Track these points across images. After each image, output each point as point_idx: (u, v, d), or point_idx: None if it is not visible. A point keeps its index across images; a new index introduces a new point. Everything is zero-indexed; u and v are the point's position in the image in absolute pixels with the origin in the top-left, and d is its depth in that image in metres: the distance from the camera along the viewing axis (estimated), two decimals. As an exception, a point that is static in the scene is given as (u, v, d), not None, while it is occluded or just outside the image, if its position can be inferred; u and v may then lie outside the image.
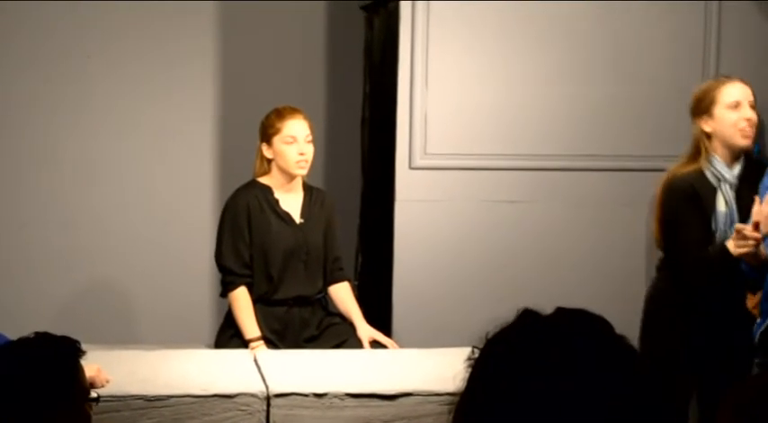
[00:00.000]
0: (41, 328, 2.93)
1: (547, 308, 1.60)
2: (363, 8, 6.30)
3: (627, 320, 4.22)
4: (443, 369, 3.49)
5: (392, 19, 5.68)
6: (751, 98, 4.28)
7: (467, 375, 1.56)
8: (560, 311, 1.55)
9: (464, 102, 5.55)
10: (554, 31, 5.59)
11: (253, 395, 3.86)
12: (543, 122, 5.59)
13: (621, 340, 1.52)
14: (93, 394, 2.89)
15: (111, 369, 3.91)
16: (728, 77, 4.33)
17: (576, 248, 5.63)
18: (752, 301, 4.35)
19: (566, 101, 5.60)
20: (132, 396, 3.81)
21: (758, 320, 4.16)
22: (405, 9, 5.49)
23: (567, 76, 5.60)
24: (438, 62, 5.52)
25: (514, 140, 5.59)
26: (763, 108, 5.48)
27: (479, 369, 1.53)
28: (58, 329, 2.98)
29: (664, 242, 4.30)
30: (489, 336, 1.56)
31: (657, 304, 4.29)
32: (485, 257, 5.60)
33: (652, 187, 5.53)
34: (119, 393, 3.80)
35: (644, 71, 5.61)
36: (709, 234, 4.13)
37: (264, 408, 3.85)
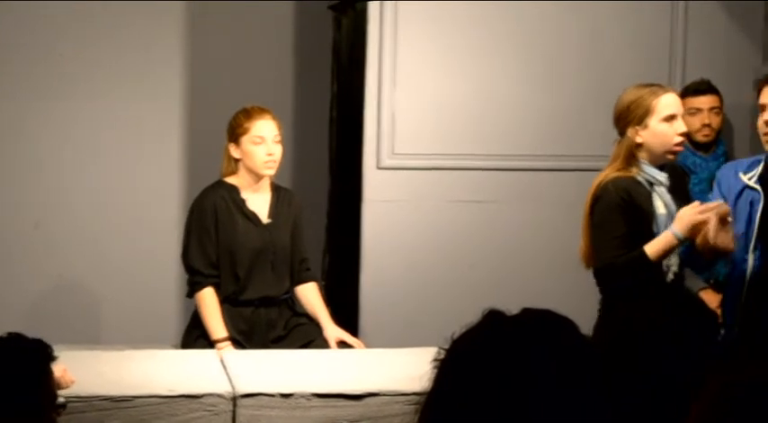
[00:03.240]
0: (7, 328, 2.90)
1: (513, 308, 1.60)
2: (331, 8, 6.29)
3: (592, 320, 4.24)
4: (410, 369, 3.50)
5: (360, 19, 5.68)
6: (682, 109, 4.21)
7: (432, 375, 1.56)
8: (526, 312, 1.56)
9: (432, 102, 5.56)
10: (522, 32, 5.60)
11: (219, 395, 3.85)
12: (511, 122, 5.61)
13: (586, 340, 1.53)
14: (61, 400, 2.86)
15: (76, 370, 3.89)
16: (662, 87, 4.19)
17: (543, 248, 5.65)
18: (713, 298, 4.37)
19: (533, 101, 5.62)
20: (98, 397, 3.79)
21: (722, 332, 4.17)
22: (373, 9, 5.49)
23: (535, 76, 5.62)
24: (406, 62, 5.52)
25: (482, 140, 5.60)
26: (730, 107, 5.53)
27: (445, 369, 1.53)
28: (23, 329, 2.95)
29: (592, 253, 4.14)
30: (455, 336, 1.56)
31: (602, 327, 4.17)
32: (452, 257, 5.61)
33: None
34: (84, 394, 3.78)
35: (611, 71, 5.63)
36: (650, 238, 4.05)
37: (231, 408, 3.84)
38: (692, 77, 5.59)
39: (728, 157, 5.53)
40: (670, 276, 4.09)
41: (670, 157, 4.12)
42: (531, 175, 5.64)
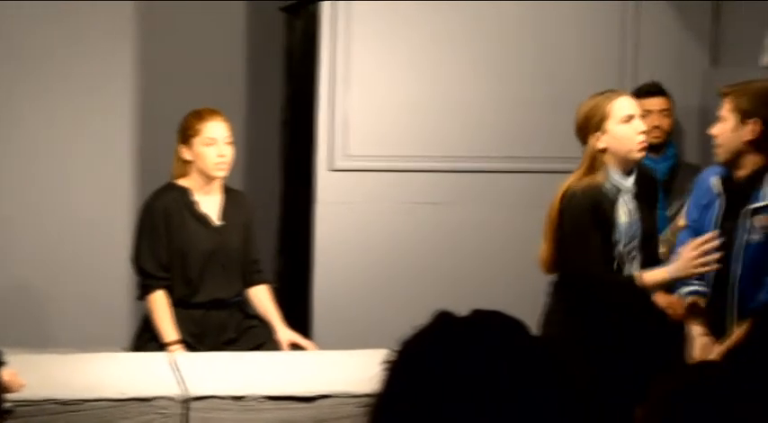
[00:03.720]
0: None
1: (465, 309, 1.60)
2: (284, 10, 6.28)
3: (544, 322, 4.26)
4: (362, 371, 3.50)
5: (312, 21, 5.68)
6: (639, 110, 4.25)
7: (382, 377, 1.56)
8: (476, 313, 1.56)
9: (385, 104, 5.56)
10: (475, 32, 5.62)
11: (170, 398, 3.83)
12: (465, 124, 5.62)
13: (536, 341, 1.53)
14: (8, 405, 2.83)
15: (25, 373, 3.85)
16: (615, 91, 4.25)
17: (496, 250, 5.66)
18: (664, 299, 4.40)
19: (486, 103, 5.63)
20: (47, 400, 3.75)
21: None
22: (325, 11, 5.49)
23: (488, 77, 5.64)
24: (358, 64, 5.52)
25: (436, 142, 5.61)
26: (679, 109, 5.57)
27: (395, 371, 1.53)
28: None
29: (561, 261, 4.18)
30: (405, 338, 1.56)
31: (554, 330, 4.15)
32: (405, 259, 5.61)
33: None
34: (33, 398, 3.74)
35: (563, 72, 5.66)
36: (610, 246, 4.10)
37: (182, 411, 3.82)
38: (643, 79, 5.62)
39: (678, 158, 5.57)
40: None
41: (636, 156, 4.16)
42: (484, 177, 5.66)
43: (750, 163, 4.02)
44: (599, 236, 4.06)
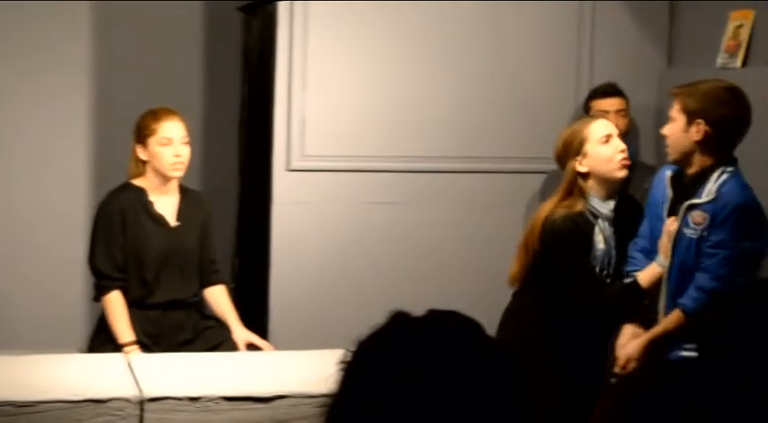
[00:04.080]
0: None
1: (421, 309, 1.60)
2: (241, 9, 6.26)
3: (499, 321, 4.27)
4: (319, 371, 3.48)
5: (270, 20, 5.66)
6: (617, 131, 4.29)
7: (338, 377, 1.56)
8: (431, 313, 1.56)
9: (342, 104, 5.55)
10: (432, 33, 5.62)
11: (126, 399, 3.81)
12: (422, 124, 5.62)
13: (491, 341, 1.53)
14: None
15: (-21, 375, 3.83)
16: (592, 117, 4.34)
17: (452, 250, 5.67)
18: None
19: (443, 103, 5.64)
20: (1, 402, 3.72)
21: None
22: (282, 11, 5.47)
23: (446, 77, 5.64)
24: (316, 64, 5.51)
25: (392, 142, 5.61)
26: (636, 110, 5.60)
27: (350, 371, 1.53)
28: None
29: (544, 282, 4.23)
30: (361, 338, 1.56)
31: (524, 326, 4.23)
32: (362, 259, 5.61)
33: (528, 189, 5.62)
34: (-13, 399, 3.72)
35: (521, 73, 5.68)
36: None
37: (138, 412, 3.80)
38: (599, 80, 5.65)
39: (635, 159, 5.60)
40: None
41: (619, 174, 4.20)
42: (441, 177, 5.66)
43: (699, 162, 4.07)
44: (588, 259, 4.13)
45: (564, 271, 4.16)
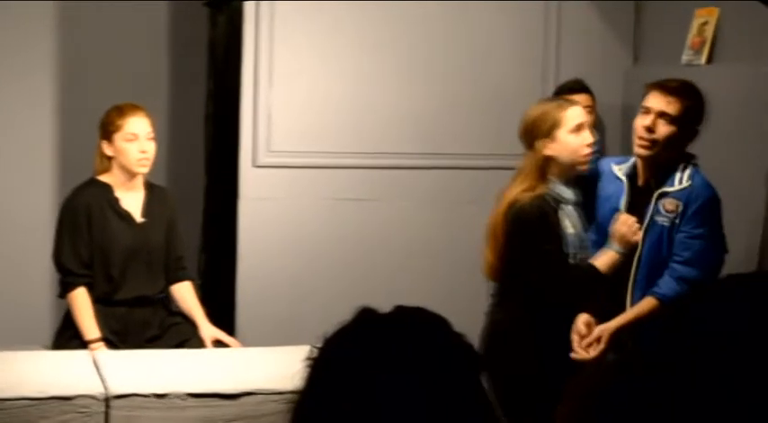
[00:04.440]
0: None
1: (388, 305, 1.60)
2: (207, 5, 6.24)
3: (469, 317, 4.26)
4: (286, 367, 3.47)
5: (236, 16, 5.65)
6: (588, 119, 4.29)
7: (305, 374, 1.55)
8: (398, 309, 1.56)
9: (309, 99, 5.55)
10: (399, 30, 5.62)
11: (91, 397, 3.79)
12: (388, 121, 5.62)
13: (459, 338, 1.53)
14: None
15: (-57, 372, 3.80)
16: (568, 101, 4.26)
17: (420, 246, 5.67)
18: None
19: (411, 99, 5.64)
20: (-34, 400, 3.70)
21: None
22: (249, 6, 5.46)
23: (412, 74, 5.65)
24: (282, 59, 5.50)
25: (359, 138, 5.61)
26: (603, 107, 5.62)
27: (317, 368, 1.53)
28: None
29: (513, 271, 4.17)
30: (327, 334, 1.56)
31: (506, 337, 4.16)
32: (329, 255, 5.61)
33: (495, 186, 5.62)
34: (-48, 397, 3.69)
35: (487, 70, 5.69)
36: (563, 258, 4.13)
37: (103, 409, 3.79)
38: (566, 77, 5.66)
39: (601, 155, 5.61)
40: None
41: (581, 167, 4.17)
42: (407, 173, 5.66)
43: (665, 156, 4.12)
44: (557, 244, 4.09)
45: (529, 258, 4.11)
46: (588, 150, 4.16)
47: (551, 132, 4.11)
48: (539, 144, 4.12)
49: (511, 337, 4.13)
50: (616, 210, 4.19)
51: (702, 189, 4.07)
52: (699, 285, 3.95)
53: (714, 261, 4.07)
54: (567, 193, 4.15)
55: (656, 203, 4.08)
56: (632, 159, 4.23)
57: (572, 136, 4.12)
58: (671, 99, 4.08)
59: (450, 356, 1.49)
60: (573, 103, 4.26)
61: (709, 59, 5.19)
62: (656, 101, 4.09)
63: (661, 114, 4.08)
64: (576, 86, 5.56)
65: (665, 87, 4.12)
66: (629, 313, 4.10)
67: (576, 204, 4.19)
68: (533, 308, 4.14)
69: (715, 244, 4.08)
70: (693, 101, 4.10)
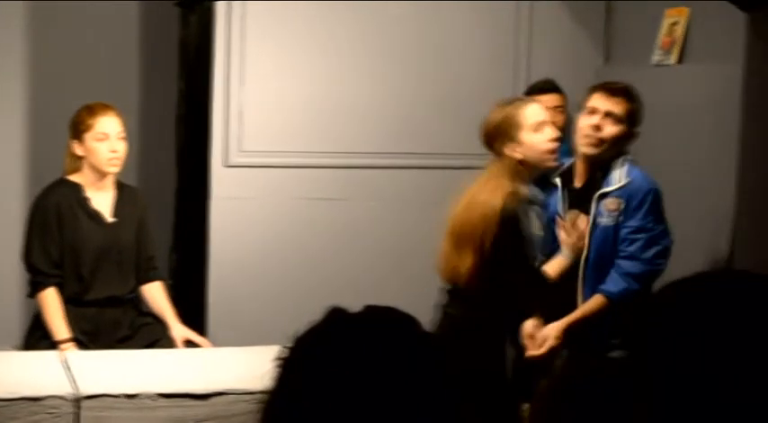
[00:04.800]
0: None
1: (359, 305, 1.60)
2: (178, 4, 6.23)
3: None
4: (257, 368, 3.47)
5: (207, 16, 5.63)
6: (548, 114, 4.28)
7: (276, 374, 1.55)
8: (368, 309, 1.56)
9: (280, 99, 5.54)
10: (370, 30, 5.63)
11: (61, 397, 3.77)
12: (359, 120, 5.63)
13: (428, 337, 1.53)
14: None
15: None
16: (523, 99, 4.26)
17: (390, 246, 5.68)
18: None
19: (382, 99, 5.65)
20: (-66, 401, 3.68)
21: None
22: (220, 6, 5.45)
23: (384, 74, 5.65)
24: (254, 60, 5.49)
25: (330, 138, 5.61)
26: (573, 107, 5.63)
27: (287, 368, 1.53)
28: None
29: (494, 274, 4.11)
30: (298, 334, 1.56)
31: (463, 333, 4.12)
32: (300, 255, 5.60)
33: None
34: None
35: (458, 69, 5.70)
36: (533, 260, 4.12)
37: (74, 410, 3.77)
38: (537, 76, 5.68)
39: (571, 154, 5.63)
40: None
41: (550, 163, 4.18)
42: (377, 173, 5.67)
43: (607, 155, 4.18)
44: (531, 246, 4.10)
45: (515, 261, 4.08)
46: (552, 145, 4.14)
47: (516, 136, 4.10)
48: (507, 149, 4.11)
49: (468, 334, 4.10)
50: (556, 214, 4.24)
51: (643, 182, 4.15)
52: (644, 279, 4.05)
53: (658, 253, 4.13)
54: (538, 193, 4.16)
55: (597, 205, 4.13)
56: (567, 162, 4.28)
57: (535, 135, 4.11)
58: (617, 100, 4.16)
59: (419, 356, 1.50)
60: (529, 101, 4.26)
61: (680, 59, 5.22)
62: (603, 101, 4.17)
63: (608, 114, 4.15)
64: (547, 86, 5.58)
65: (610, 89, 4.21)
66: (578, 312, 4.16)
67: (541, 204, 4.19)
68: (495, 307, 4.14)
69: (657, 236, 4.14)
70: (636, 103, 4.20)
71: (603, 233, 4.14)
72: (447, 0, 5.67)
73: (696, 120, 5.03)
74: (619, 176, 4.13)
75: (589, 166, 4.21)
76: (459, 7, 5.70)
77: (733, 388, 1.55)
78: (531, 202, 4.11)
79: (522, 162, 4.12)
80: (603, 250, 4.15)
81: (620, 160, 4.17)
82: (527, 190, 4.12)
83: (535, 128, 4.10)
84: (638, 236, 4.11)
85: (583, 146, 4.19)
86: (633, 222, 4.11)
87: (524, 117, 4.12)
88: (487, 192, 4.11)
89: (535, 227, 4.10)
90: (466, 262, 4.14)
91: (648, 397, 1.57)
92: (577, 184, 4.24)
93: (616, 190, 4.13)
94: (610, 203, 4.13)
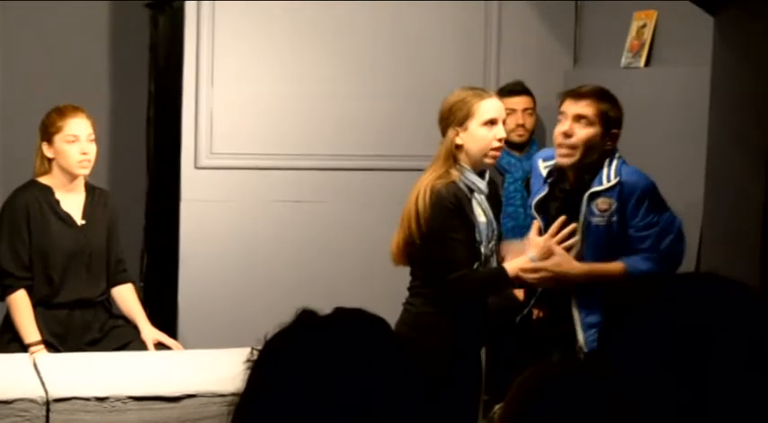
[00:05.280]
0: None
1: (328, 307, 1.61)
2: (148, 6, 6.22)
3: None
4: (227, 369, 3.47)
5: (177, 17, 5.63)
6: (504, 115, 4.28)
7: (246, 376, 1.56)
8: (338, 311, 1.57)
9: (250, 101, 5.54)
10: (342, 32, 5.63)
11: (31, 400, 3.76)
12: (328, 123, 5.63)
13: (396, 339, 1.54)
14: None
15: None
16: (487, 92, 4.23)
17: (361, 247, 5.68)
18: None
19: (351, 101, 5.65)
20: None
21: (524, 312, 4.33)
22: (190, 7, 5.45)
23: (353, 76, 5.66)
24: (224, 61, 5.49)
25: (301, 140, 5.61)
26: (542, 109, 5.66)
27: (257, 369, 1.53)
28: None
29: (427, 259, 4.12)
30: (268, 336, 1.56)
31: (425, 330, 4.09)
32: (270, 257, 5.60)
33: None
34: None
35: (428, 72, 5.71)
36: (474, 247, 4.12)
37: (44, 413, 3.75)
38: (506, 79, 5.70)
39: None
40: None
41: (488, 161, 4.15)
42: (349, 175, 5.67)
43: (594, 158, 4.18)
44: (465, 236, 4.07)
45: (438, 244, 4.06)
46: (497, 145, 4.12)
47: (464, 122, 4.10)
48: (451, 132, 4.10)
49: (424, 333, 4.08)
50: (531, 207, 4.25)
51: (637, 179, 4.12)
52: (666, 268, 4.03)
53: (673, 241, 4.13)
54: (480, 182, 4.13)
55: (588, 206, 4.12)
56: (551, 159, 4.28)
57: (484, 129, 4.09)
58: (585, 102, 4.13)
59: (388, 358, 1.51)
60: (491, 95, 4.22)
61: (648, 62, 5.25)
62: (571, 105, 4.16)
63: (576, 118, 4.13)
64: (517, 88, 5.61)
65: (576, 92, 4.19)
66: (597, 266, 4.11)
67: (487, 195, 4.18)
68: (444, 302, 4.13)
69: (666, 225, 4.13)
70: (607, 104, 4.14)
71: (595, 233, 4.12)
72: (416, 1, 5.68)
73: (665, 121, 5.06)
74: (608, 175, 4.11)
75: (573, 172, 4.19)
76: (428, 8, 5.71)
77: (700, 386, 1.56)
78: (471, 189, 4.10)
79: (462, 149, 4.11)
80: (599, 250, 4.12)
81: (609, 158, 4.15)
82: (470, 176, 4.10)
83: (486, 122, 4.09)
84: (648, 232, 4.09)
85: (558, 156, 4.19)
86: (638, 221, 4.09)
87: (481, 108, 4.10)
88: (426, 176, 4.12)
89: (478, 213, 4.09)
90: (398, 241, 4.18)
91: (619, 396, 1.58)
92: (569, 184, 4.21)
93: (606, 190, 4.10)
94: (601, 203, 4.11)
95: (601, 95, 4.17)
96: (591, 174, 4.14)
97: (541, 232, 4.18)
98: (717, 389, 1.57)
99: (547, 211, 4.26)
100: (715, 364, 1.57)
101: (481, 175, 4.15)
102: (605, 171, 4.12)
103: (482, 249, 4.09)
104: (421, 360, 1.54)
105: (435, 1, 5.70)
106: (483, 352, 4.53)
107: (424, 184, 4.06)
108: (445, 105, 4.18)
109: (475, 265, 4.09)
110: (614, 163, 4.14)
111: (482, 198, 4.12)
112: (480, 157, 4.11)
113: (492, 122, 4.09)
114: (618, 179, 4.09)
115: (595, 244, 4.12)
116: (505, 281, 4.11)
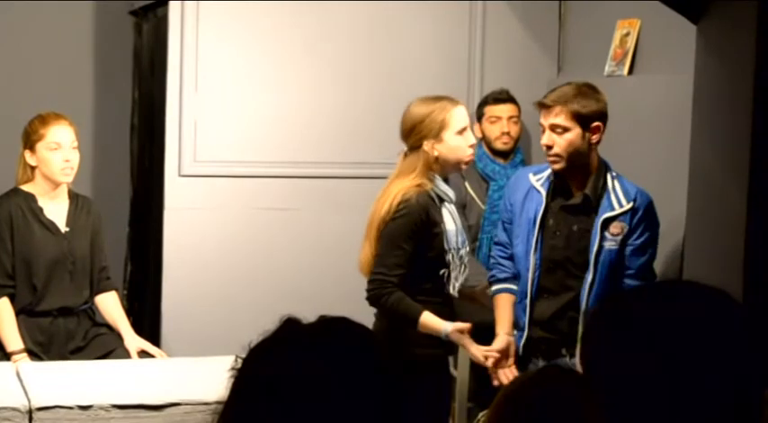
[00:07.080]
0: None
1: (312, 315, 1.61)
2: (132, 14, 6.21)
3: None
4: (211, 378, 3.47)
5: (161, 25, 5.62)
6: (469, 122, 4.25)
7: (230, 384, 1.56)
8: (322, 320, 1.57)
9: (234, 109, 5.53)
10: (323, 39, 5.63)
11: (14, 409, 3.75)
12: (313, 130, 5.63)
13: (379, 347, 1.54)
14: None
15: None
16: (451, 100, 4.20)
17: (344, 255, 5.67)
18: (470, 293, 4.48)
19: (334, 109, 5.65)
20: None
21: (516, 333, 4.30)
22: (174, 15, 5.44)
23: (336, 84, 5.65)
24: (208, 69, 5.49)
25: (285, 148, 5.60)
26: (526, 116, 5.67)
27: (241, 378, 1.53)
28: None
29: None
30: (252, 345, 1.56)
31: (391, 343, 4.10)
32: (255, 265, 5.59)
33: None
34: None
35: (412, 81, 5.70)
36: (441, 254, 4.09)
37: (26, 421, 3.74)
38: (490, 86, 5.71)
39: (526, 164, 5.66)
40: (450, 289, 4.16)
41: (463, 167, 4.20)
42: (332, 183, 5.67)
43: (592, 163, 4.21)
44: (417, 248, 4.05)
45: (382, 245, 4.07)
46: (471, 151, 4.16)
47: (438, 134, 4.10)
48: (427, 145, 4.09)
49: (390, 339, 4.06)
50: (534, 222, 4.23)
51: (640, 198, 4.17)
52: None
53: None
54: (450, 191, 4.15)
55: (602, 232, 4.14)
56: (549, 169, 4.28)
57: (458, 138, 4.10)
58: (554, 111, 4.15)
59: (372, 367, 1.51)
60: (457, 103, 4.22)
61: (631, 70, 5.26)
62: (544, 117, 4.18)
63: (552, 128, 4.15)
64: (503, 96, 5.61)
65: (544, 103, 4.19)
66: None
67: (454, 203, 4.21)
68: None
69: (654, 250, 4.22)
70: (578, 103, 4.13)
71: (609, 257, 4.14)
72: (401, 8, 5.68)
73: (648, 130, 5.07)
74: (617, 199, 4.15)
75: (570, 177, 4.20)
76: (412, 16, 5.71)
77: (681, 395, 1.57)
78: (441, 198, 4.11)
79: (437, 159, 4.11)
80: (611, 273, 4.14)
81: (608, 176, 4.18)
82: (441, 185, 4.11)
83: (459, 131, 4.11)
84: (645, 252, 4.17)
85: (550, 164, 4.22)
86: (635, 239, 4.16)
87: (452, 118, 4.11)
88: (396, 184, 4.12)
89: (447, 220, 4.10)
90: (367, 251, 4.17)
91: (600, 405, 1.59)
92: (574, 198, 4.23)
93: (620, 214, 4.14)
94: (613, 228, 4.14)
95: (567, 98, 4.14)
96: (591, 189, 4.17)
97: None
98: (694, 397, 1.58)
99: (543, 225, 4.25)
100: (694, 372, 1.58)
101: (446, 181, 4.17)
102: (613, 195, 4.14)
103: (451, 257, 4.10)
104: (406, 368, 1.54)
105: (419, 9, 5.70)
106: (468, 361, 4.54)
107: (395, 194, 4.05)
108: (414, 118, 4.16)
109: (441, 272, 4.09)
110: (617, 184, 4.17)
111: (452, 207, 4.15)
112: (455, 165, 4.14)
113: (464, 130, 4.12)
114: (631, 205, 4.14)
115: (608, 267, 4.14)
116: (413, 323, 4.03)
